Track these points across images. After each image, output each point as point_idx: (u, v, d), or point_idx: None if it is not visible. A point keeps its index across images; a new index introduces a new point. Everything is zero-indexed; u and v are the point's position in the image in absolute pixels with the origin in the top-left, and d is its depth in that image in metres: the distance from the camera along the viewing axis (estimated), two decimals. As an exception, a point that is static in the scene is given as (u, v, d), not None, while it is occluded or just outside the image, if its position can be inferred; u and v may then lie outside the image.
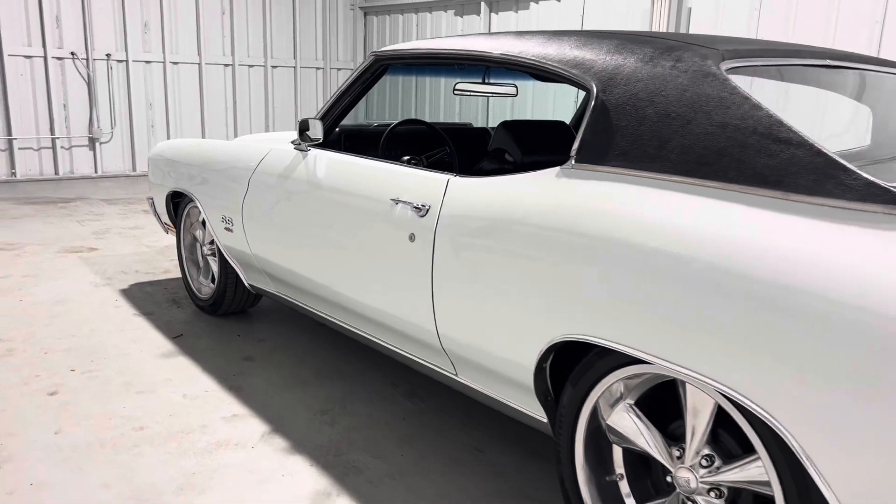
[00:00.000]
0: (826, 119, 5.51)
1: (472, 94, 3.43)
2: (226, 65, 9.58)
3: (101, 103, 8.74)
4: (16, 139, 8.27)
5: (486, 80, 3.38)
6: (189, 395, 2.98)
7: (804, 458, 1.40)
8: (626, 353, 1.74)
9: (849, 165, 1.46)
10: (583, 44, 2.15)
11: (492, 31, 7.78)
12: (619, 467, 1.96)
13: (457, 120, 8.92)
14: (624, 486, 1.95)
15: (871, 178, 1.43)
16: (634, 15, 6.76)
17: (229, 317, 3.93)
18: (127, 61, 8.84)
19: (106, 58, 8.68)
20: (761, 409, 1.45)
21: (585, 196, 1.86)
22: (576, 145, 1.96)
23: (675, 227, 1.64)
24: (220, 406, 2.89)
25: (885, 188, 1.40)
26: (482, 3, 8.24)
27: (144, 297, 4.22)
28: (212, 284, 3.89)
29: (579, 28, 7.26)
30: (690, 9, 6.33)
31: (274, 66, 9.98)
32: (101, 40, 8.64)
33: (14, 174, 8.32)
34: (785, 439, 1.43)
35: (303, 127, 2.88)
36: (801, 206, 1.50)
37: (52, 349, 3.40)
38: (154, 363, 3.28)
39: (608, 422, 1.90)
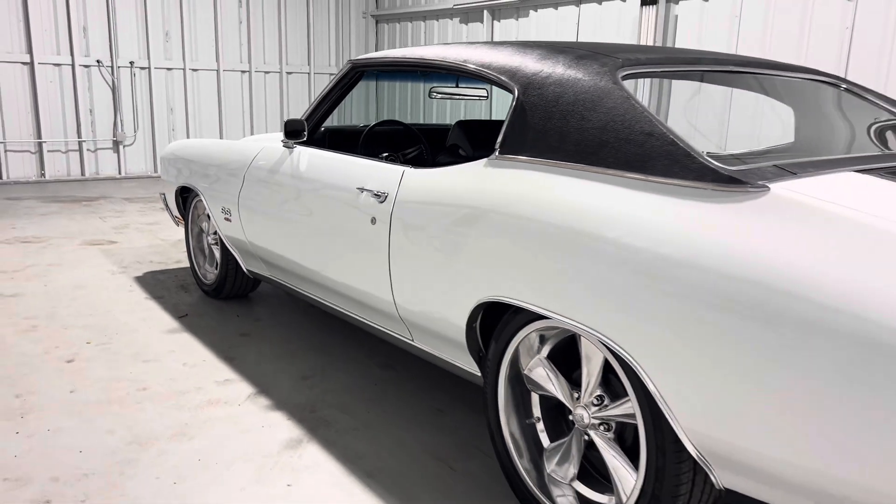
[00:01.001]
0: (762, 119, 5.79)
1: (446, 97, 3.80)
2: (243, 71, 10.04)
3: (124, 108, 9.24)
4: (45, 142, 8.80)
5: (458, 84, 3.75)
6: (188, 363, 3.37)
7: (657, 397, 1.74)
8: (532, 311, 2.09)
9: (691, 152, 1.81)
10: (515, 53, 2.50)
11: (494, 37, 8.16)
12: (537, 411, 2.30)
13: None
14: (540, 427, 2.30)
15: (705, 162, 1.77)
16: (626, 22, 7.08)
17: (231, 300, 4.33)
18: (149, 68, 9.33)
19: (130, 65, 9.18)
20: (627, 354, 1.79)
21: (503, 182, 2.22)
22: (499, 140, 2.32)
23: (567, 205, 1.99)
24: (215, 372, 3.28)
25: (713, 169, 1.74)
26: (485, 12, 8.60)
27: (156, 284, 4.64)
28: (216, 271, 4.29)
29: (574, 35, 7.60)
30: (677, 16, 6.64)
31: (289, 73, 10.42)
32: (126, 49, 9.14)
33: (43, 175, 8.85)
34: (643, 380, 1.77)
35: (288, 126, 3.26)
36: (657, 186, 1.84)
37: (71, 326, 3.82)
38: (160, 338, 3.69)
39: (525, 372, 2.25)
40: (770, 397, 1.53)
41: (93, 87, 9.02)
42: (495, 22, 8.62)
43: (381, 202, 2.68)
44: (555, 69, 2.28)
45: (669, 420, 1.74)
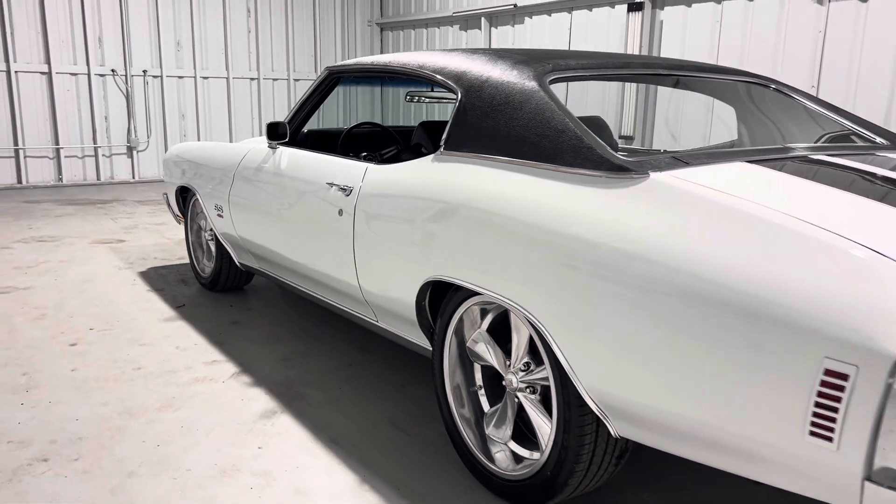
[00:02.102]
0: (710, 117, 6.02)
1: (421, 100, 4.08)
2: (251, 78, 10.39)
3: (138, 115, 9.61)
4: (62, 148, 9.19)
5: (433, 89, 4.03)
6: (181, 347, 3.67)
7: (562, 359, 2.00)
8: (468, 288, 2.35)
9: (592, 145, 2.07)
10: (464, 60, 2.77)
11: (492, 42, 8.44)
12: (479, 380, 2.57)
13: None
14: (482, 394, 2.56)
15: (602, 153, 2.03)
16: (614, 27, 7.32)
17: (227, 292, 4.63)
18: (161, 77, 9.70)
19: (143, 74, 9.56)
20: (539, 322, 2.05)
21: (444, 174, 2.49)
22: (444, 137, 2.59)
23: (492, 193, 2.26)
24: (204, 354, 3.57)
25: (607, 159, 2.00)
26: (483, 19, 8.88)
27: (158, 278, 4.96)
28: (212, 265, 4.59)
29: (567, 40, 7.85)
30: (662, 21, 6.88)
31: (297, 80, 10.75)
32: (139, 58, 9.52)
33: (61, 179, 9.24)
34: (550, 345, 2.03)
35: (270, 128, 3.56)
36: (565, 175, 2.10)
37: (77, 314, 4.14)
38: (157, 325, 3.99)
39: (468, 345, 2.51)
40: (650, 358, 1.78)
41: (108, 95, 9.41)
42: (493, 28, 8.90)
43: (347, 195, 2.96)
44: (492, 74, 2.55)
45: (573, 379, 2.00)
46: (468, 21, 9.25)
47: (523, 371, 2.32)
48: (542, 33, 8.22)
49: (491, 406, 2.54)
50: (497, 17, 8.82)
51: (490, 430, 2.46)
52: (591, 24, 7.60)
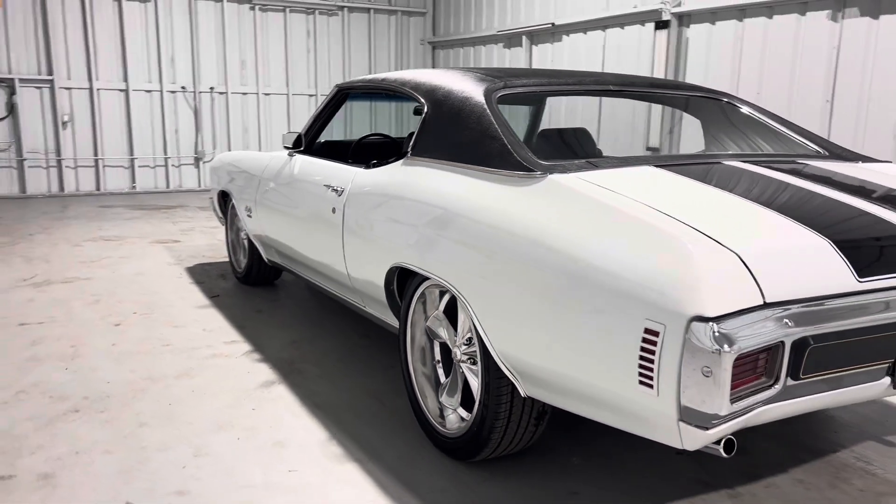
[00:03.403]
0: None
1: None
2: (310, 95, 11.04)
3: (204, 129, 10.38)
4: (136, 158, 10.03)
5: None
6: (207, 329, 4.18)
7: (480, 329, 2.37)
8: (419, 272, 2.74)
9: (512, 150, 2.44)
10: (439, 77, 3.17)
11: (532, 59, 8.81)
12: (437, 355, 2.95)
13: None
14: (439, 368, 2.93)
15: (517, 157, 2.40)
16: (644, 45, 7.59)
17: (258, 286, 5.15)
18: (227, 93, 10.46)
19: (210, 91, 10.33)
20: (465, 299, 2.43)
21: (406, 176, 2.90)
22: (411, 144, 3.00)
23: (438, 190, 2.65)
24: (225, 336, 4.07)
25: (519, 161, 2.37)
26: (524, 37, 9.27)
27: (201, 273, 5.53)
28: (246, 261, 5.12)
29: (601, 56, 8.15)
30: (688, 39, 7.12)
31: (352, 95, 11.33)
32: (207, 76, 10.30)
33: (134, 187, 10.07)
34: (471, 317, 2.40)
35: (286, 139, 4.04)
36: (491, 175, 2.48)
37: (125, 301, 4.72)
38: (191, 311, 4.53)
39: (427, 324, 2.90)
40: (535, 323, 2.14)
41: (178, 110, 10.22)
42: (533, 46, 9.27)
43: (339, 195, 3.40)
44: (453, 91, 2.95)
45: (487, 345, 2.36)
46: (511, 39, 9.65)
47: (465, 345, 2.69)
48: (578, 51, 8.54)
49: (446, 377, 2.92)
50: (537, 36, 9.19)
51: (443, 398, 2.83)
52: (624, 42, 7.88)
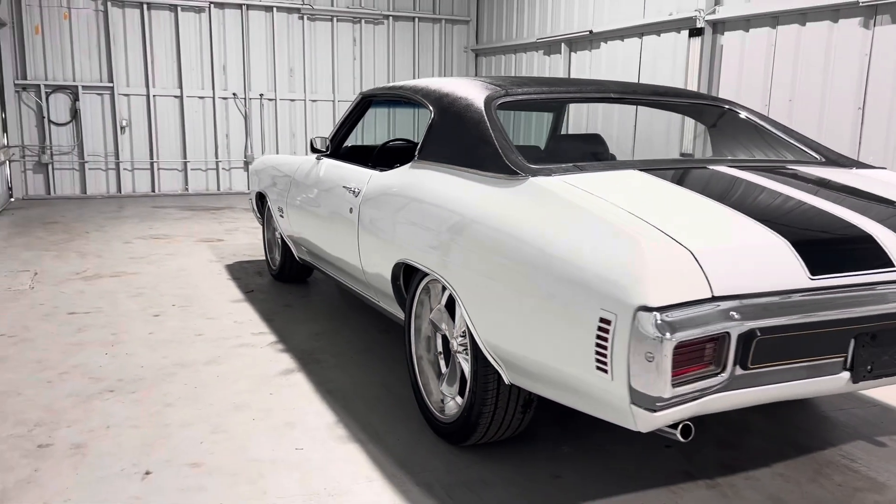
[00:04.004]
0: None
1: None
2: (355, 101, 11.32)
3: (254, 134, 10.79)
4: (189, 161, 10.48)
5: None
6: (238, 321, 4.45)
7: (468, 320, 2.54)
8: (419, 268, 2.93)
9: (502, 154, 2.61)
10: (448, 85, 3.36)
11: (571, 66, 8.94)
12: (439, 347, 3.13)
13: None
14: (441, 360, 3.11)
15: (506, 161, 2.57)
16: (679, 52, 7.65)
17: (291, 283, 5.41)
18: (275, 100, 10.84)
19: (259, 97, 10.73)
20: (455, 292, 2.61)
21: (411, 179, 3.10)
22: (418, 148, 3.20)
23: (436, 190, 2.84)
24: (254, 328, 4.33)
25: (507, 165, 2.54)
26: (563, 45, 9.39)
27: (240, 270, 5.83)
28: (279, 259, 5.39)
29: (637, 63, 8.23)
30: (722, 46, 7.15)
31: (396, 102, 11.61)
32: (256, 83, 10.70)
33: (187, 189, 10.53)
34: (461, 310, 2.58)
35: (313, 143, 4.28)
36: (483, 177, 2.66)
37: (166, 294, 5.03)
38: (225, 305, 4.81)
39: (430, 317, 3.09)
40: (512, 312, 2.31)
41: (229, 115, 10.65)
42: (572, 53, 9.38)
43: (356, 196, 3.61)
44: (458, 98, 3.13)
45: (474, 335, 2.54)
46: (550, 46, 9.78)
47: (462, 336, 2.87)
48: (615, 58, 8.62)
49: (447, 367, 3.10)
50: (575, 43, 9.30)
51: (443, 387, 3.01)
52: (660, 49, 7.94)
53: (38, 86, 9.65)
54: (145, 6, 9.94)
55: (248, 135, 10.76)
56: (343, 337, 4.19)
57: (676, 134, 7.63)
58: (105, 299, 4.88)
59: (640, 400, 1.90)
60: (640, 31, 8.18)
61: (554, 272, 2.12)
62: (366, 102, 4.23)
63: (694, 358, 1.88)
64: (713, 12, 7.16)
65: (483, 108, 2.92)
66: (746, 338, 1.92)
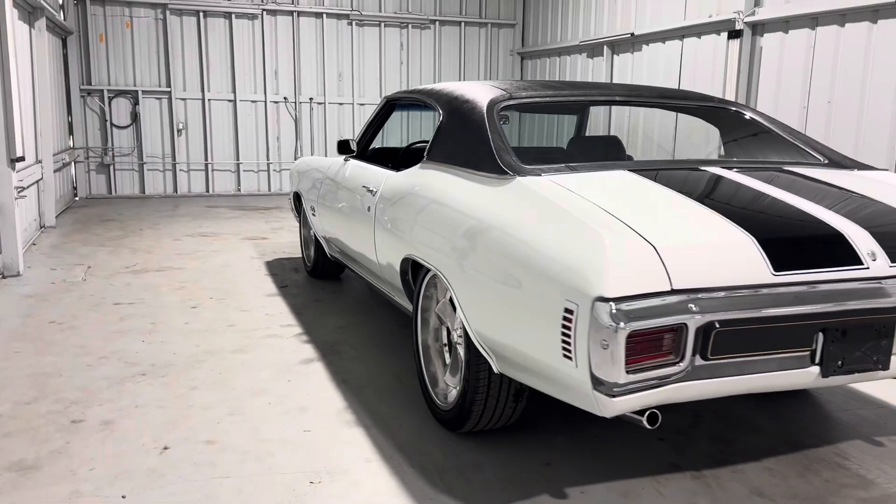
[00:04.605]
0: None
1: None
2: (402, 104, 11.55)
3: (303, 136, 11.12)
4: (241, 163, 10.88)
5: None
6: (269, 314, 4.69)
7: (460, 312, 2.68)
8: (423, 263, 3.09)
9: (495, 155, 2.75)
10: (458, 89, 3.51)
11: (613, 69, 8.98)
12: (444, 339, 3.27)
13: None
14: (446, 351, 3.26)
15: (499, 162, 2.70)
16: (719, 54, 7.62)
17: (324, 279, 5.64)
18: (325, 103, 11.16)
19: (309, 101, 11.07)
20: (450, 284, 2.76)
21: (418, 178, 3.26)
22: (427, 149, 3.36)
23: (436, 189, 2.99)
24: (283, 320, 4.55)
25: (499, 165, 2.67)
26: (605, 47, 9.42)
27: (279, 266, 6.09)
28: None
29: (678, 65, 8.22)
30: (762, 48, 7.11)
31: (442, 105, 11.80)
32: (307, 88, 11.04)
33: (239, 190, 10.92)
34: (454, 301, 2.72)
35: (339, 145, 4.49)
36: (479, 176, 2.80)
37: (206, 288, 5.32)
38: (260, 298, 5.06)
39: (436, 310, 3.24)
40: (495, 302, 2.44)
41: (280, 119, 11.01)
42: (615, 56, 9.40)
43: (373, 195, 3.79)
44: (464, 101, 3.28)
45: (465, 324, 2.68)
46: (593, 49, 9.81)
47: (460, 328, 3.01)
48: (656, 60, 8.62)
49: (450, 358, 3.24)
50: (617, 46, 9.32)
51: (447, 377, 3.16)
52: (700, 51, 7.91)
53: (102, 91, 10.18)
54: (201, 14, 10.38)
55: (298, 137, 11.10)
56: (365, 331, 4.38)
57: (715, 136, 7.60)
58: (149, 292, 5.19)
59: (601, 386, 2.01)
60: (680, 34, 8.17)
61: (530, 264, 2.25)
62: (389, 106, 4.41)
63: (651, 347, 1.99)
64: (752, 14, 7.11)
65: (485, 111, 3.06)
66: (706, 329, 2.02)
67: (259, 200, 10.41)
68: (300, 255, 6.45)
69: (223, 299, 5.02)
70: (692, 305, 2.00)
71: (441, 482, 2.64)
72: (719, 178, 2.70)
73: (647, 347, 1.98)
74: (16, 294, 5.07)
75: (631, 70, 9.12)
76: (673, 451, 2.91)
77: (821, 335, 2.18)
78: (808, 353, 2.17)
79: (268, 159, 11.04)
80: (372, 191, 3.81)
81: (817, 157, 3.24)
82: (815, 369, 2.22)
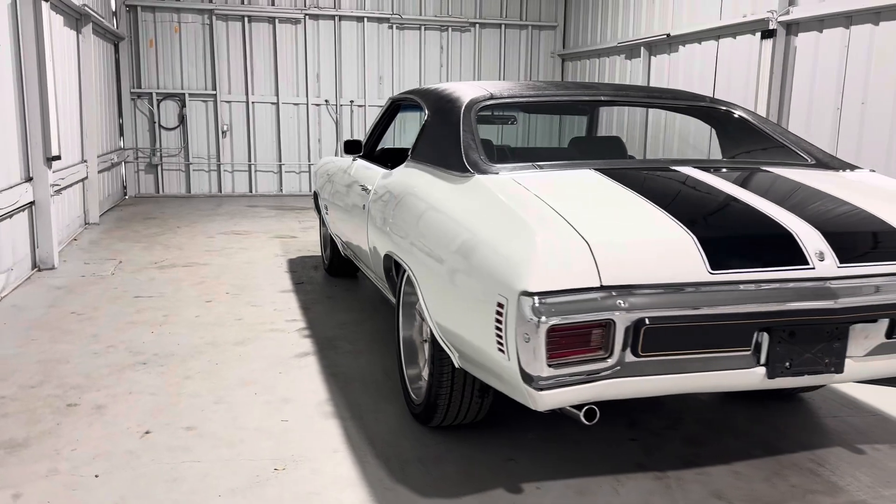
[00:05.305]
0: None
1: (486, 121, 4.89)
2: (442, 107, 11.64)
3: (344, 138, 11.30)
4: (283, 164, 11.13)
5: (493, 113, 4.83)
6: (277, 309, 4.82)
7: (423, 305, 2.74)
8: (396, 259, 3.14)
9: (463, 155, 2.79)
10: (444, 89, 3.56)
11: (651, 70, 8.90)
12: (426, 334, 3.32)
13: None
14: (425, 347, 3.31)
15: (464, 160, 2.74)
16: (754, 53, 7.46)
17: (340, 277, 5.75)
18: (365, 106, 11.33)
19: (350, 103, 11.26)
20: (415, 278, 2.81)
21: (400, 177, 3.32)
22: (411, 149, 3.42)
23: (409, 187, 3.05)
24: (289, 315, 4.67)
25: (464, 164, 2.72)
26: (642, 48, 9.32)
27: (300, 264, 6.23)
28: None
29: (714, 66, 8.09)
30: (796, 48, 6.94)
31: (482, 107, 11.84)
32: (347, 90, 11.23)
33: (281, 190, 11.18)
34: (418, 294, 2.78)
35: (346, 145, 4.59)
36: (448, 175, 2.84)
37: (225, 283, 5.49)
38: (273, 294, 5.20)
39: (416, 307, 3.30)
40: (448, 296, 2.49)
41: (321, 121, 11.24)
42: (652, 57, 9.27)
43: (368, 193, 3.87)
44: (446, 101, 3.33)
45: (426, 318, 2.73)
46: (631, 50, 9.71)
47: (434, 323, 3.06)
48: (692, 61, 8.48)
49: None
50: (654, 47, 9.20)
51: (424, 372, 3.21)
52: (736, 52, 7.76)
53: (151, 94, 10.57)
54: (246, 18, 10.68)
55: (339, 140, 11.29)
56: (366, 327, 4.46)
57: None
58: (170, 286, 5.39)
59: (528, 379, 2.03)
60: (716, 34, 8.03)
61: (474, 259, 2.28)
62: (395, 106, 4.49)
63: (576, 342, 2.00)
64: (787, 13, 6.94)
65: (462, 111, 3.10)
66: (635, 326, 2.02)
67: (298, 201, 10.63)
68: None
69: (238, 294, 5.18)
70: (620, 301, 2.01)
71: (401, 473, 2.69)
72: (685, 178, 2.68)
73: (573, 342, 2.00)
74: (46, 286, 5.33)
75: (667, 71, 9.00)
76: (642, 451, 2.90)
77: (766, 335, 2.16)
78: (749, 353, 2.15)
79: (309, 160, 11.27)
80: (367, 189, 3.89)
81: (804, 157, 3.17)
82: (761, 370, 2.19)
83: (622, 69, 10.04)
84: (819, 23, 6.67)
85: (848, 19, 6.36)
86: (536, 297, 1.96)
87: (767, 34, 7.07)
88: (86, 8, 7.52)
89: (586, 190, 2.49)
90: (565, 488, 2.61)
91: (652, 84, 9.29)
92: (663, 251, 2.12)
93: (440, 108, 3.31)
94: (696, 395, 3.45)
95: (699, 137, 7.69)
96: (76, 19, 7.66)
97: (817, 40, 6.70)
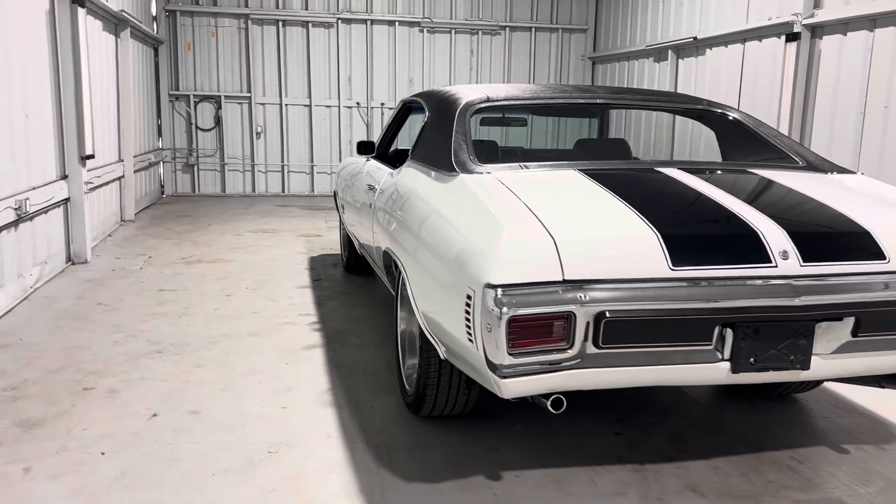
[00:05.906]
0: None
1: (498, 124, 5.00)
2: (472, 109, 11.75)
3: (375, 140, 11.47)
4: (315, 165, 11.37)
5: (504, 115, 4.93)
6: (294, 304, 4.99)
7: (410, 296, 2.86)
8: (391, 254, 3.26)
9: (451, 155, 2.90)
10: (446, 92, 3.67)
11: (678, 73, 8.90)
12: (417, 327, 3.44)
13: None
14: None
15: (452, 160, 2.86)
16: (779, 56, 7.42)
17: (357, 274, 5.90)
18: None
19: (380, 105, 11.44)
20: (404, 269, 2.93)
21: (400, 176, 3.45)
22: (411, 150, 3.54)
23: (404, 185, 3.17)
24: (303, 309, 4.84)
25: (451, 163, 2.83)
26: (670, 51, 9.31)
27: (320, 261, 6.41)
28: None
29: (740, 68, 8.06)
30: (821, 51, 6.89)
31: (512, 110, 11.92)
32: (378, 93, 11.42)
33: (313, 191, 11.41)
34: (406, 287, 2.90)
35: (359, 145, 4.73)
36: (439, 174, 2.96)
37: (246, 279, 5.69)
38: (291, 290, 5.37)
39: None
40: (431, 288, 2.60)
41: (352, 123, 11.44)
42: (679, 60, 9.26)
43: (374, 192, 4.01)
44: (445, 104, 3.44)
45: (414, 310, 2.84)
46: (660, 53, 9.70)
47: (427, 317, 3.18)
48: (719, 64, 8.45)
49: (427, 347, 3.41)
50: (682, 50, 9.18)
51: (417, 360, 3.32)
52: (761, 55, 7.72)
53: (188, 96, 10.90)
54: (280, 23, 10.94)
55: (369, 141, 11.49)
56: (375, 323, 4.60)
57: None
58: (194, 281, 5.60)
59: (492, 367, 2.14)
60: (742, 37, 7.99)
61: (452, 254, 2.40)
62: (406, 108, 4.62)
63: (538, 333, 2.10)
64: (811, 16, 6.90)
65: (456, 114, 3.22)
66: (596, 319, 2.11)
67: (328, 201, 10.83)
68: (343, 252, 6.77)
69: (257, 289, 5.37)
70: (581, 295, 2.10)
71: (387, 459, 2.82)
72: (666, 178, 2.75)
73: (534, 333, 2.09)
74: (78, 279, 5.59)
75: (694, 74, 8.97)
76: (625, 445, 2.97)
77: (730, 331, 2.22)
78: (711, 347, 2.22)
79: (340, 162, 11.48)
80: (374, 188, 4.03)
81: (796, 159, 3.21)
82: (726, 365, 2.26)
83: (651, 72, 10.04)
84: (843, 26, 6.61)
85: (872, 22, 6.30)
86: (499, 289, 2.07)
87: (792, 37, 7.02)
88: (123, 13, 7.82)
89: (564, 189, 2.58)
90: (543, 477, 2.70)
91: (679, 87, 9.27)
92: (627, 248, 2.20)
93: (438, 109, 3.43)
94: (687, 392, 3.50)
95: (709, 139, 7.67)
96: (114, 24, 7.97)
97: (841, 43, 6.65)
